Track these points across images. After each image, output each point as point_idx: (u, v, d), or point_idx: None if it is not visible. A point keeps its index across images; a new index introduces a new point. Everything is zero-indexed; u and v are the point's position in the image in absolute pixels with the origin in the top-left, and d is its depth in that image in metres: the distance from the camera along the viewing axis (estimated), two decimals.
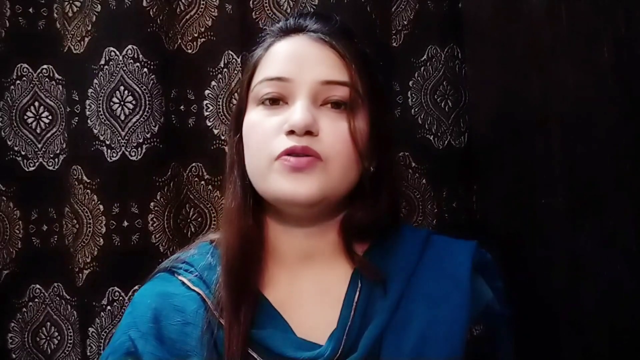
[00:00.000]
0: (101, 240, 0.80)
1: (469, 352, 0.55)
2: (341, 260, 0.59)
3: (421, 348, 0.53)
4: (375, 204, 0.59)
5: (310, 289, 0.58)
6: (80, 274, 0.81)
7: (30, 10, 0.87)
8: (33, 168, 0.87)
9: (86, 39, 0.81)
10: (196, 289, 0.58)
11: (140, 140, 0.80)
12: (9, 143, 0.87)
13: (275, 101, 0.57)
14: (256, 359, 0.54)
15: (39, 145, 0.88)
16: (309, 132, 0.55)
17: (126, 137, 0.80)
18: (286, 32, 0.60)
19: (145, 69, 0.81)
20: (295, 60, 0.57)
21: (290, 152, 0.54)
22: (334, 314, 0.56)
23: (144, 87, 0.81)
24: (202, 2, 0.85)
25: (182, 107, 0.85)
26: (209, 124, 0.85)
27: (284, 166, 0.55)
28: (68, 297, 0.87)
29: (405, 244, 0.60)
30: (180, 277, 0.59)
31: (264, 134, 0.56)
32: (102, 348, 0.80)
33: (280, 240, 0.60)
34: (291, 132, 0.55)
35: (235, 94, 0.83)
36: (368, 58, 0.62)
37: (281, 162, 0.55)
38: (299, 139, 0.55)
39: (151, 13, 0.81)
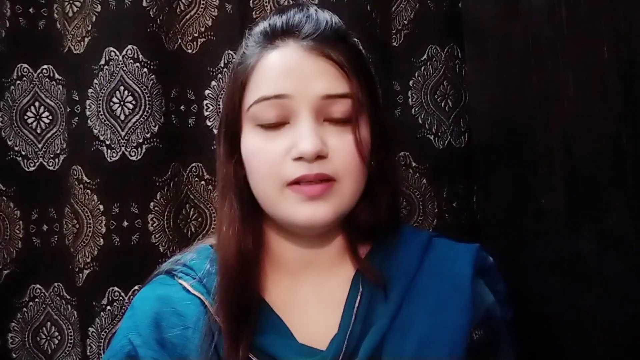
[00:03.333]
0: (101, 240, 0.80)
1: (470, 356, 0.54)
2: (342, 264, 0.59)
3: (422, 353, 0.53)
4: (377, 203, 0.58)
5: (311, 294, 0.58)
6: (80, 274, 0.81)
7: (31, 10, 0.87)
8: (33, 168, 0.88)
9: (86, 39, 0.81)
10: (197, 293, 0.57)
11: (140, 140, 0.80)
12: (10, 143, 0.87)
13: (276, 121, 0.54)
14: None
15: (39, 145, 0.88)
16: (319, 156, 0.53)
17: (126, 137, 0.80)
18: (272, 38, 0.56)
19: (145, 69, 0.81)
20: (291, 75, 0.54)
21: (302, 180, 0.53)
22: (335, 318, 0.55)
23: (144, 87, 0.81)
24: (202, 2, 0.85)
25: (182, 107, 0.85)
26: (209, 124, 0.85)
27: (298, 194, 0.53)
28: (68, 297, 0.87)
29: (407, 247, 0.59)
30: (180, 281, 0.59)
31: (270, 159, 0.54)
32: (102, 348, 0.80)
33: (282, 248, 0.59)
34: (300, 158, 0.52)
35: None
36: (361, 56, 0.60)
37: (294, 190, 0.53)
38: (310, 166, 0.52)
39: (151, 13, 0.81)
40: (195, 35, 0.85)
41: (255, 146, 0.55)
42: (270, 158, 0.54)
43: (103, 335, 0.80)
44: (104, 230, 0.80)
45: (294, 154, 0.53)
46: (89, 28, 0.81)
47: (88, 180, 0.81)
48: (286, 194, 0.53)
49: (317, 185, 0.53)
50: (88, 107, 0.81)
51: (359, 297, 0.56)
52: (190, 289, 0.58)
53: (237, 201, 0.57)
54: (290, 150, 0.53)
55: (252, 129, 0.55)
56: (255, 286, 0.56)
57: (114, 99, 0.80)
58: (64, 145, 0.87)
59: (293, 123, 0.54)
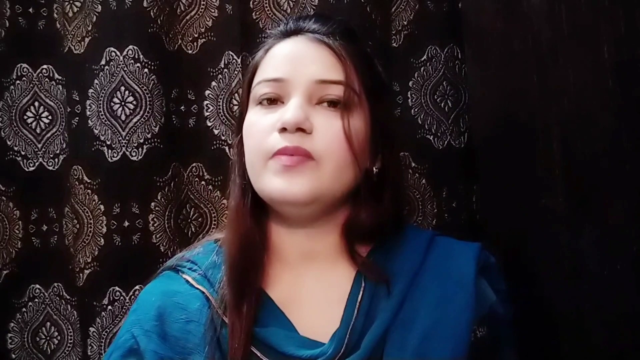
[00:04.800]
0: (102, 240, 0.80)
1: (472, 353, 0.54)
2: (344, 259, 0.59)
3: (424, 348, 0.53)
4: (378, 205, 0.59)
5: (314, 288, 0.58)
6: (81, 274, 0.81)
7: (30, 10, 0.87)
8: (33, 168, 0.88)
9: (86, 39, 0.81)
10: (200, 287, 0.58)
11: (141, 141, 0.80)
12: (9, 143, 0.87)
13: (273, 101, 0.58)
14: (259, 356, 0.54)
15: (39, 145, 0.88)
16: (301, 130, 0.55)
17: (127, 137, 0.80)
18: (286, 34, 0.61)
19: (146, 70, 0.81)
20: (291, 61, 0.58)
21: (282, 152, 0.55)
22: (337, 313, 0.56)
23: (145, 87, 0.81)
24: (202, 3, 0.85)
25: (182, 107, 0.85)
26: (209, 124, 0.85)
27: (277, 165, 0.55)
28: (68, 297, 0.87)
29: (410, 244, 0.60)
30: (184, 276, 0.60)
31: (259, 132, 0.57)
32: (103, 348, 0.80)
33: (282, 241, 0.60)
34: (284, 130, 0.55)
35: (236, 95, 0.84)
36: (369, 57, 0.62)
37: (274, 161, 0.55)
38: (291, 137, 0.55)
39: (152, 13, 0.81)
40: (196, 35, 0.85)
41: (251, 121, 0.59)
42: (259, 131, 0.57)
43: (104, 335, 0.80)
44: (104, 230, 0.80)
45: (278, 125, 0.56)
46: (90, 28, 0.81)
47: (88, 180, 0.81)
48: (268, 166, 0.56)
49: (294, 157, 0.55)
50: (88, 107, 0.81)
51: (361, 292, 0.57)
52: (194, 282, 0.59)
53: (240, 177, 0.61)
54: (276, 123, 0.56)
55: (253, 108, 0.60)
56: (257, 278, 0.57)
57: (115, 99, 0.80)
58: (64, 145, 0.87)
59: (286, 102, 0.57)
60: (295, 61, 0.58)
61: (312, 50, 0.58)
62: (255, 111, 0.59)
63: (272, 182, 0.55)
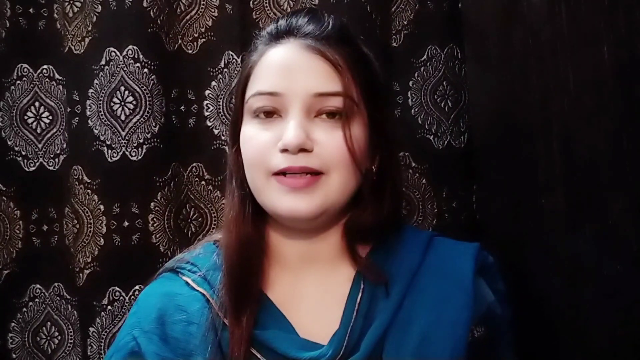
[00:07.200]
0: (102, 240, 0.81)
1: (471, 353, 0.55)
2: (344, 261, 0.60)
3: (423, 348, 0.53)
4: (378, 205, 0.59)
5: (313, 290, 0.58)
6: (81, 274, 0.81)
7: (31, 10, 0.87)
8: (33, 168, 0.88)
9: (87, 39, 0.81)
10: (200, 289, 0.58)
11: (141, 141, 0.81)
12: (10, 143, 0.87)
13: (270, 114, 0.57)
14: (259, 358, 0.55)
15: (39, 145, 0.88)
16: (303, 150, 0.54)
17: (127, 137, 0.80)
18: (277, 36, 0.59)
19: (146, 69, 0.81)
20: (286, 73, 0.56)
21: (287, 171, 0.54)
22: (337, 314, 0.56)
23: (145, 87, 0.81)
24: (202, 3, 0.86)
25: (182, 107, 0.85)
26: (209, 124, 0.86)
27: (282, 185, 0.54)
28: (68, 297, 0.87)
29: (408, 245, 0.60)
30: (184, 277, 0.60)
31: (259, 148, 0.56)
32: (102, 348, 0.80)
33: (282, 245, 0.60)
34: (285, 150, 0.54)
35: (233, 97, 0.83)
36: (365, 58, 0.61)
37: (279, 181, 0.55)
38: (295, 159, 0.54)
39: (152, 13, 0.81)
40: (196, 35, 0.85)
41: (249, 135, 0.58)
42: (259, 147, 0.56)
43: (104, 335, 0.80)
44: (104, 230, 0.80)
45: (280, 145, 0.55)
46: (90, 28, 0.81)
47: (88, 180, 0.81)
48: (272, 183, 0.55)
49: (301, 179, 0.54)
50: (88, 107, 0.81)
51: (360, 293, 0.57)
52: (194, 285, 0.59)
53: (239, 187, 0.60)
54: (278, 141, 0.55)
55: (250, 120, 0.58)
56: (257, 281, 0.57)
57: (115, 99, 0.80)
58: (64, 145, 0.87)
59: (284, 116, 0.56)
60: (291, 74, 0.56)
61: (307, 61, 0.56)
62: (252, 124, 0.57)
63: (279, 200, 0.55)
